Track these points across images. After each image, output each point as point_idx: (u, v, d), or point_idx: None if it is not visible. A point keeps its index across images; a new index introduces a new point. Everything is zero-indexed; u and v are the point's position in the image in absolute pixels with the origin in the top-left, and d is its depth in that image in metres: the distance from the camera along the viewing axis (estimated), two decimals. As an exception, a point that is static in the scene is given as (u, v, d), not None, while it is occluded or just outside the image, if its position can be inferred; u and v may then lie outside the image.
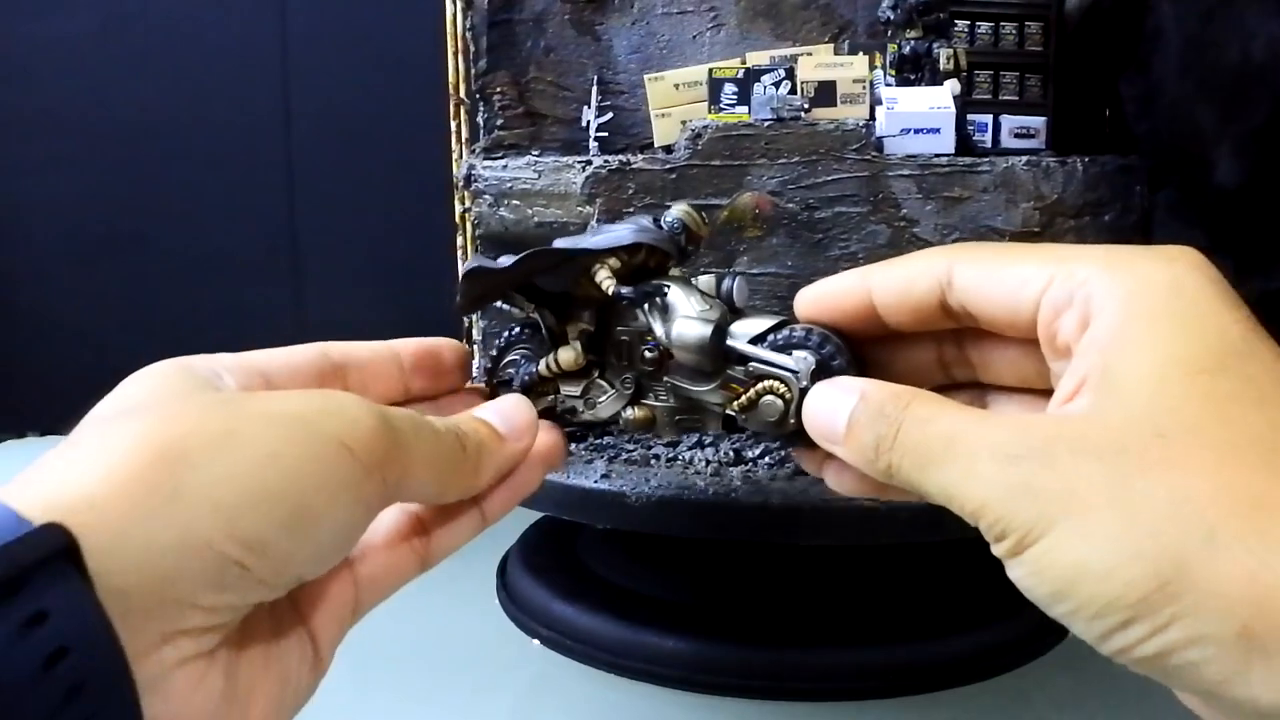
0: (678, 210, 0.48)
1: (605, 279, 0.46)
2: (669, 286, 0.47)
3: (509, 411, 0.45)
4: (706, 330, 0.45)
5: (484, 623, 0.77)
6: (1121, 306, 0.35)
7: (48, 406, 1.36)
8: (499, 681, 0.71)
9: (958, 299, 0.41)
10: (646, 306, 0.47)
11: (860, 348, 0.45)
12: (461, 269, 0.48)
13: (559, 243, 0.47)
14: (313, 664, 0.39)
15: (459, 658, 0.73)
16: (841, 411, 0.40)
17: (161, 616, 0.31)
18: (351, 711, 0.65)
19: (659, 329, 0.47)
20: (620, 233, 0.47)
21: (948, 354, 0.45)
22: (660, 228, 0.47)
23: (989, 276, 0.40)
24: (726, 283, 0.47)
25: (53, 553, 0.29)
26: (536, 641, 0.74)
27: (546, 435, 0.48)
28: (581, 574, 0.78)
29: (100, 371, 1.33)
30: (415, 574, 0.44)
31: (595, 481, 0.59)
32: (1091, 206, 0.61)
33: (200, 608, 0.32)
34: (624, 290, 0.46)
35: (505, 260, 0.47)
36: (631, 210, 0.63)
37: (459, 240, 0.76)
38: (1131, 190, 0.62)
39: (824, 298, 0.44)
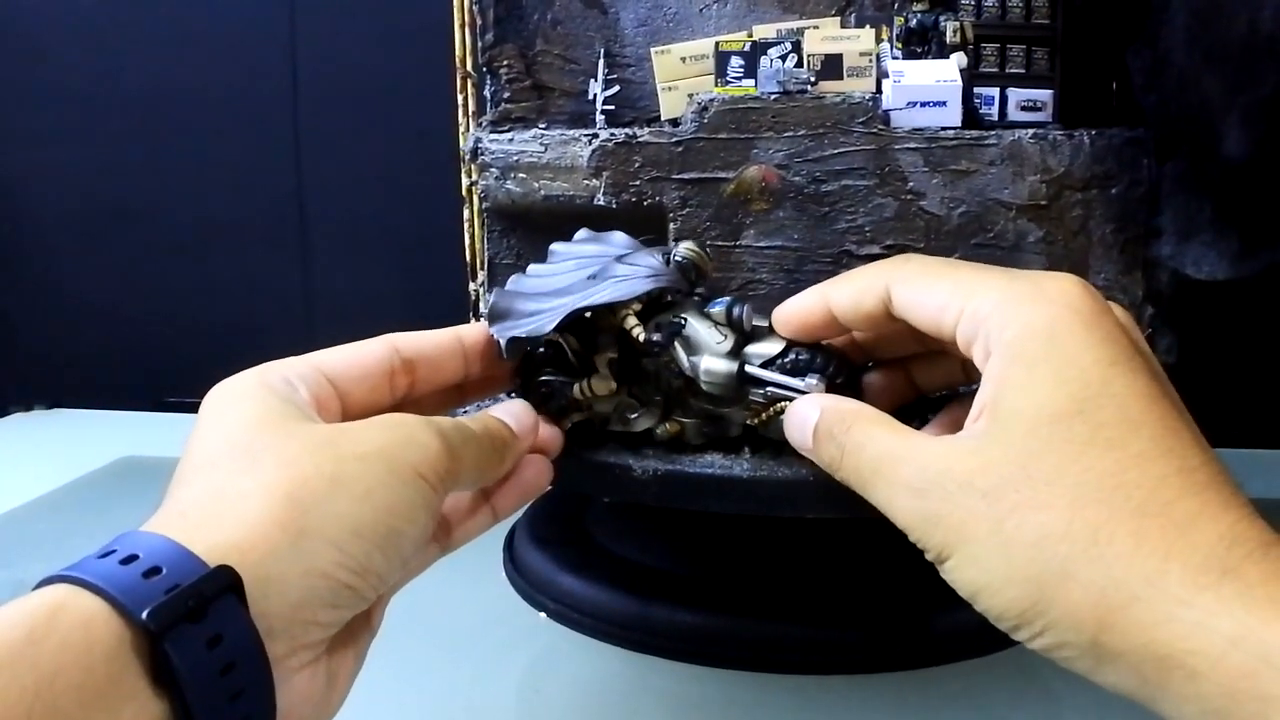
0: (685, 250, 0.54)
1: (634, 327, 0.53)
2: (685, 319, 0.54)
3: (520, 414, 0.53)
4: (733, 367, 0.53)
5: (491, 595, 0.78)
6: (1007, 349, 0.43)
7: (54, 379, 1.37)
8: (506, 654, 0.71)
9: (898, 314, 0.48)
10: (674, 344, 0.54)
11: (856, 365, 0.54)
12: (501, 333, 0.53)
13: (582, 300, 0.52)
14: (370, 636, 0.47)
15: (466, 630, 0.74)
16: (809, 424, 0.49)
17: (290, 635, 0.39)
18: (358, 685, 0.66)
19: (684, 362, 0.53)
20: (635, 282, 0.53)
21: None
22: (669, 263, 0.54)
23: (915, 300, 0.47)
24: (736, 310, 0.53)
25: (224, 588, 0.36)
26: (543, 614, 0.74)
27: (546, 430, 0.55)
28: (589, 546, 0.78)
29: (107, 345, 1.33)
30: (436, 559, 0.52)
31: (601, 454, 0.59)
32: (1099, 179, 0.61)
33: (319, 624, 0.40)
34: (655, 338, 0.53)
35: (544, 326, 0.52)
36: (637, 183, 0.63)
37: (465, 213, 0.76)
38: (1139, 162, 0.62)
39: (795, 314, 0.52)
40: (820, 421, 0.48)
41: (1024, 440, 0.41)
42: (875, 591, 0.70)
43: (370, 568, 0.41)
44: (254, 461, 0.41)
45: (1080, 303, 0.43)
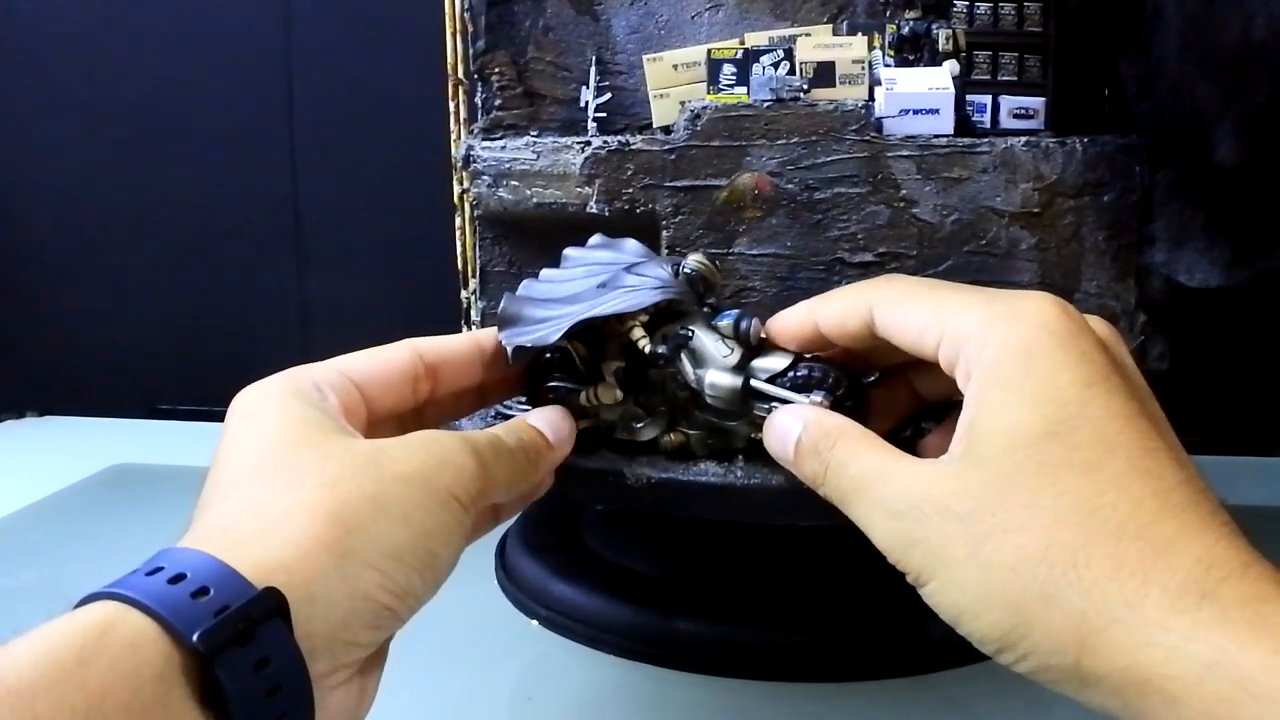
0: (694, 263, 0.54)
1: (640, 339, 0.53)
2: (693, 331, 0.53)
3: (556, 423, 0.54)
4: (737, 382, 0.52)
5: (483, 603, 0.77)
6: (985, 372, 0.43)
7: (46, 387, 1.36)
8: (498, 662, 0.71)
9: (881, 335, 0.48)
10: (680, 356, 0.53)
11: (862, 381, 0.53)
12: (509, 339, 0.53)
13: (589, 310, 0.52)
14: (389, 641, 0.47)
15: (458, 638, 0.73)
16: (790, 438, 0.49)
17: (331, 654, 0.40)
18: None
19: (690, 375, 0.53)
20: (642, 293, 0.52)
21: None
22: (677, 275, 0.54)
23: (897, 321, 0.48)
24: (744, 324, 0.53)
25: (271, 610, 0.37)
26: (535, 622, 0.74)
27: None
28: (581, 554, 0.78)
29: (99, 352, 1.33)
30: None
31: (594, 461, 0.58)
32: (1091, 186, 0.61)
33: (359, 644, 0.41)
34: (660, 350, 0.52)
35: (551, 335, 0.52)
36: (630, 191, 0.63)
37: (457, 221, 0.76)
38: (1131, 170, 0.62)
39: (787, 328, 0.52)
40: (804, 436, 0.48)
41: (1000, 463, 0.41)
42: (870, 599, 0.70)
43: (410, 590, 0.42)
44: (294, 478, 0.42)
45: (1056, 323, 0.43)
